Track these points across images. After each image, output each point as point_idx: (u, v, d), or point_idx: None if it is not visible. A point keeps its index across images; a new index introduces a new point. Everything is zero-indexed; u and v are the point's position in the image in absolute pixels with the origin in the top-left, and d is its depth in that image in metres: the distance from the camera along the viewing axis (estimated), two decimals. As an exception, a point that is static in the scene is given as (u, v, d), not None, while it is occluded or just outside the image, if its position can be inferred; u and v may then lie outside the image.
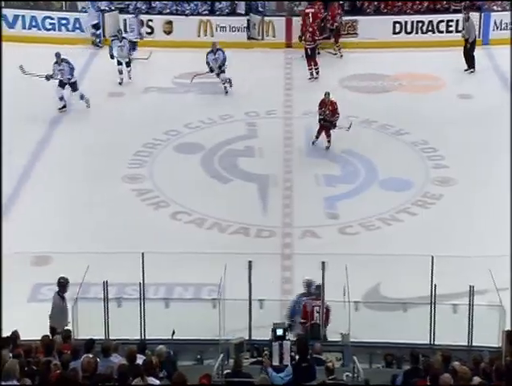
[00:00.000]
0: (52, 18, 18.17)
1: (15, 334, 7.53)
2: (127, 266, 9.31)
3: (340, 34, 17.48)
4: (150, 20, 18.30)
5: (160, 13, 18.48)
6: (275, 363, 7.41)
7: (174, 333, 8.50)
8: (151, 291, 9.73)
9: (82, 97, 15.00)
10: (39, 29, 18.12)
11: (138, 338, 8.52)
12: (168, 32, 18.29)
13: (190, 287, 10.10)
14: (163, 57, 17.23)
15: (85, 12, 18.12)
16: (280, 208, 12.27)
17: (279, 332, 7.61)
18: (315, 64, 16.65)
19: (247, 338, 8.58)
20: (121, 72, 15.99)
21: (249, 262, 8.88)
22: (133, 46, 16.50)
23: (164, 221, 11.90)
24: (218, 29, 18.26)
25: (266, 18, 18.25)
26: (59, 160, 13.41)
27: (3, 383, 6.39)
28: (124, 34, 16.65)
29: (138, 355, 7.38)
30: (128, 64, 16.06)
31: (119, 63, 15.99)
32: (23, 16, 18.13)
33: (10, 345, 7.24)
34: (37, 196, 12.34)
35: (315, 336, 8.74)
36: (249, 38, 18.15)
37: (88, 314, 8.56)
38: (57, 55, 14.84)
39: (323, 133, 13.72)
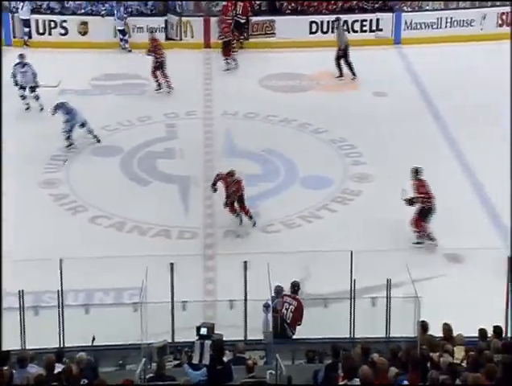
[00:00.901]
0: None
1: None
2: (45, 273, 9.08)
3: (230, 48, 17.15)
4: (65, 21, 17.96)
5: (74, 13, 18.16)
6: (195, 361, 7.36)
7: (94, 339, 8.34)
8: (70, 298, 9.52)
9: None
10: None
11: (57, 346, 8.30)
12: (84, 33, 17.98)
13: (111, 292, 9.92)
14: (78, 58, 16.91)
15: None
16: (202, 209, 12.22)
17: (203, 331, 7.58)
18: (228, 56, 16.88)
19: (170, 341, 8.49)
20: (24, 97, 14.89)
21: (171, 264, 8.81)
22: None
23: (83, 226, 11.67)
24: (136, 30, 18.09)
25: (184, 19, 18.18)
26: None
27: None
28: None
29: (57, 364, 7.21)
30: (33, 90, 14.91)
31: (21, 88, 14.85)
32: None
33: None
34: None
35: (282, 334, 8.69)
36: (167, 38, 18.02)
37: (3, 325, 8.26)
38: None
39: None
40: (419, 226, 11.05)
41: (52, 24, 18.07)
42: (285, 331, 8.89)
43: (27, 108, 15.02)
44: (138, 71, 16.78)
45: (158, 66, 15.82)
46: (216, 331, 7.84)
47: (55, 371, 7.09)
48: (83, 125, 13.66)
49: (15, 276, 9.41)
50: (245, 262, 8.75)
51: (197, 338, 7.65)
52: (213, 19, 18.05)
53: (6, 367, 6.85)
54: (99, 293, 9.85)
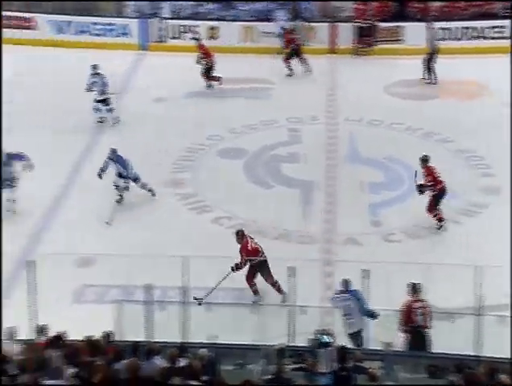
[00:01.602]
0: (100, 24, 18.57)
1: (62, 335, 7.65)
2: (170, 270, 9.41)
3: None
4: (196, 26, 18.51)
5: (205, 19, 18.70)
6: (322, 369, 7.37)
7: (215, 337, 8.50)
8: (194, 295, 9.76)
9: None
10: (89, 34, 18.50)
11: (180, 341, 8.57)
12: (214, 37, 18.46)
13: (232, 292, 10.11)
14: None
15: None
16: (322, 215, 12.23)
17: (325, 339, 7.58)
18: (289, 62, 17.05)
19: (288, 344, 8.55)
20: (97, 110, 14.68)
21: (291, 268, 8.87)
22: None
23: (206, 226, 11.97)
24: (262, 35, 18.37)
25: (310, 24, 18.28)
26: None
27: (52, 382, 6.50)
28: None
29: (180, 359, 7.45)
30: (106, 102, 14.65)
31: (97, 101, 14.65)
32: (70, 22, 18.56)
33: (58, 345, 7.37)
34: (82, 199, 12.52)
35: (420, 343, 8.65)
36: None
37: (132, 317, 8.64)
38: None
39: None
40: (432, 211, 11.52)
41: (182, 29, 18.67)
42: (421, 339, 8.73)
43: (100, 122, 14.80)
44: (265, 75, 17.07)
45: (208, 70, 16.18)
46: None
47: (178, 365, 7.34)
48: (136, 180, 12.31)
49: (143, 271, 9.85)
50: (365, 270, 8.69)
51: (319, 344, 7.63)
52: (339, 25, 18.04)
53: (134, 358, 7.14)
54: (221, 293, 10.06)
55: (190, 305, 9.05)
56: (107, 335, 7.87)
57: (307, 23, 18.24)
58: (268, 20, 18.46)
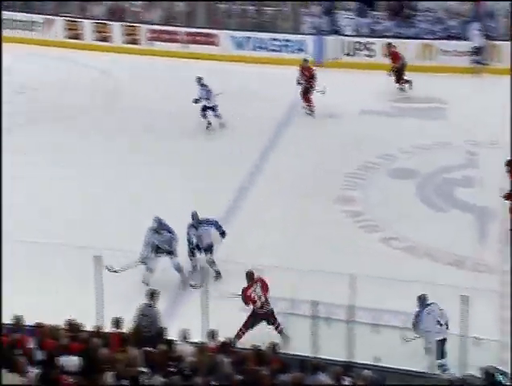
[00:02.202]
0: (278, 40, 18.98)
1: (231, 341, 7.81)
2: (336, 287, 9.33)
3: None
4: (371, 43, 18.41)
5: (381, 36, 18.55)
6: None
7: (378, 359, 8.25)
8: (359, 315, 9.59)
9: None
10: (267, 50, 18.96)
11: (344, 359, 8.45)
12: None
13: (399, 315, 9.83)
14: (381, 81, 17.19)
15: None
16: (499, 243, 11.62)
17: (500, 378, 7.16)
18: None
19: (460, 375, 8.16)
20: (204, 116, 15.28)
21: (465, 297, 8.46)
22: None
23: (375, 245, 11.77)
24: (441, 53, 17.93)
25: (493, 42, 17.60)
26: (277, 176, 13.77)
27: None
28: None
29: (344, 377, 7.34)
30: (213, 109, 15.24)
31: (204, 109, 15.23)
32: (250, 38, 19.13)
33: (228, 351, 7.53)
34: (255, 210, 12.72)
35: None
36: (473, 62, 17.57)
37: (298, 331, 8.65)
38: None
39: None
40: None
41: (357, 46, 18.63)
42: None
43: (207, 127, 15.29)
44: (439, 94, 16.61)
45: (306, 91, 15.83)
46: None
47: (342, 384, 7.24)
48: (207, 250, 10.83)
49: (309, 285, 9.84)
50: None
51: (493, 383, 7.19)
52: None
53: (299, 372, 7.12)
54: (387, 315, 9.82)
55: (356, 324, 8.89)
56: (273, 346, 7.93)
57: (492, 42, 17.58)
58: (455, 38, 17.98)
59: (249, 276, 9.60)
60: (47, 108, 16.41)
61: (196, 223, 10.74)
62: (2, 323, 7.98)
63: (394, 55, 17.17)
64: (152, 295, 9.06)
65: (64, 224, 12.01)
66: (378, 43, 18.34)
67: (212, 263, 10.75)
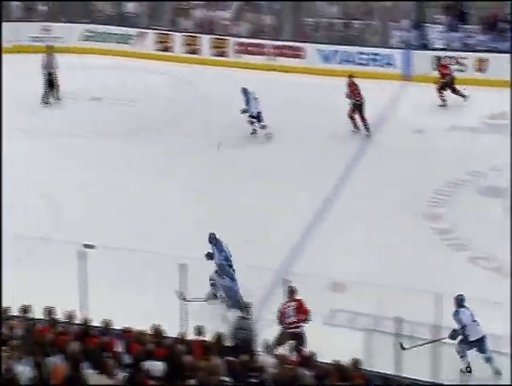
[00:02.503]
0: (365, 54, 18.89)
1: (313, 355, 7.78)
2: (420, 304, 9.15)
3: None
4: (464, 58, 18.05)
5: (473, 50, 18.18)
6: None
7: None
8: (444, 334, 9.38)
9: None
10: (354, 63, 18.87)
11: (428, 380, 8.27)
12: (482, 70, 17.84)
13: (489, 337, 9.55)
14: (473, 95, 16.81)
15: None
16: None
17: None
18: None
19: None
20: (252, 123, 15.57)
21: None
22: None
23: (462, 264, 11.49)
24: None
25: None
26: (362, 190, 13.65)
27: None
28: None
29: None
30: (258, 118, 15.53)
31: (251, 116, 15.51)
32: (337, 52, 19.11)
33: (310, 365, 7.51)
34: (339, 223, 12.61)
35: None
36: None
37: (381, 348, 8.53)
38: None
39: None
40: None
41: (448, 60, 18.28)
42: None
43: (252, 133, 15.57)
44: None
45: (356, 109, 15.46)
46: None
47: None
48: (236, 305, 10.15)
49: (392, 302, 9.69)
50: None
51: None
52: None
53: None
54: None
55: (441, 344, 8.69)
56: (356, 362, 7.83)
57: None
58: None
59: (290, 291, 9.46)
60: (139, 119, 16.81)
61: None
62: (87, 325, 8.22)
63: (443, 70, 16.90)
64: (245, 308, 9.09)
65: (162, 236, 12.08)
66: (470, 58, 17.96)
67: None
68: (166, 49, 20.55)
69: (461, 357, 9.10)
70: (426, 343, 8.80)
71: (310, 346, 8.16)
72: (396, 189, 13.56)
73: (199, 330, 8.43)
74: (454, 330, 9.10)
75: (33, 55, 18.25)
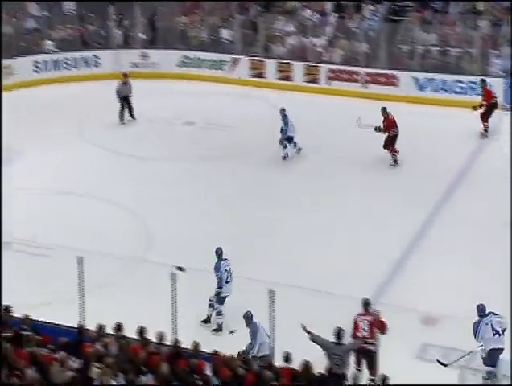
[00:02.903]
0: (463, 82, 18.52)
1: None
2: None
3: None
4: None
5: None
6: None
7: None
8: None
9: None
10: (449, 92, 18.56)
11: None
12: None
13: None
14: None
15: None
16: None
17: None
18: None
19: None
20: (285, 147, 15.99)
21: None
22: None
23: None
24: None
25: None
26: (464, 217, 13.39)
27: None
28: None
29: None
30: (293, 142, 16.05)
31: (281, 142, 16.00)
32: (432, 79, 18.80)
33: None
34: (436, 251, 12.37)
35: None
36: None
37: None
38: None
39: None
40: None
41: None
42: None
43: (284, 158, 15.94)
44: None
45: (390, 140, 15.37)
46: None
47: None
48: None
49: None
50: None
51: None
52: None
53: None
54: None
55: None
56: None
57: None
58: None
59: (365, 305, 9.47)
60: (230, 144, 17.02)
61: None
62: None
63: (487, 94, 16.59)
64: (339, 333, 8.98)
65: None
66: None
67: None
68: (259, 75, 20.79)
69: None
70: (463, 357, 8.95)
71: (400, 380, 7.91)
72: (496, 219, 13.11)
73: (286, 357, 8.36)
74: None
75: (132, 81, 18.83)
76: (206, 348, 8.45)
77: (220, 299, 10.64)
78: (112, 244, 12.45)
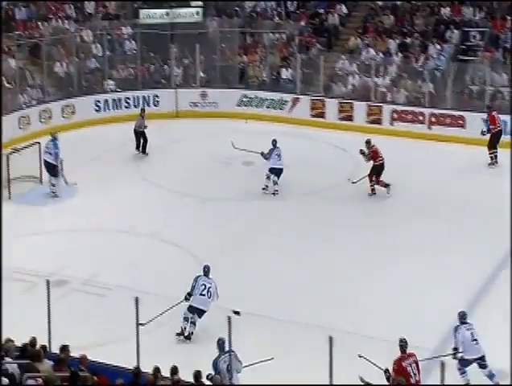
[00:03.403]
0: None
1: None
2: None
3: None
4: None
5: None
6: None
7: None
8: None
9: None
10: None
11: None
12: None
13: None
14: None
15: None
16: None
17: None
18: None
19: None
20: (267, 178, 16.13)
21: None
22: None
23: None
24: None
25: None
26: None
27: None
28: None
29: None
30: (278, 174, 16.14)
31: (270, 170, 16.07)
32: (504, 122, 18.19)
33: None
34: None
35: None
36: None
37: None
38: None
39: None
40: None
41: None
42: None
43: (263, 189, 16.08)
44: None
45: (375, 171, 15.55)
46: None
47: None
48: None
49: None
50: None
51: None
52: None
53: None
54: None
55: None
56: None
57: None
58: None
59: (402, 346, 9.09)
60: (290, 184, 16.62)
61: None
62: None
63: (492, 119, 16.53)
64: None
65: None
66: None
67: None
68: (319, 115, 20.43)
69: (461, 374, 9.37)
70: (428, 359, 9.06)
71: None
72: None
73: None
74: (454, 347, 9.36)
75: (191, 120, 18.72)
76: None
77: (193, 310, 10.90)
78: (170, 286, 12.08)
